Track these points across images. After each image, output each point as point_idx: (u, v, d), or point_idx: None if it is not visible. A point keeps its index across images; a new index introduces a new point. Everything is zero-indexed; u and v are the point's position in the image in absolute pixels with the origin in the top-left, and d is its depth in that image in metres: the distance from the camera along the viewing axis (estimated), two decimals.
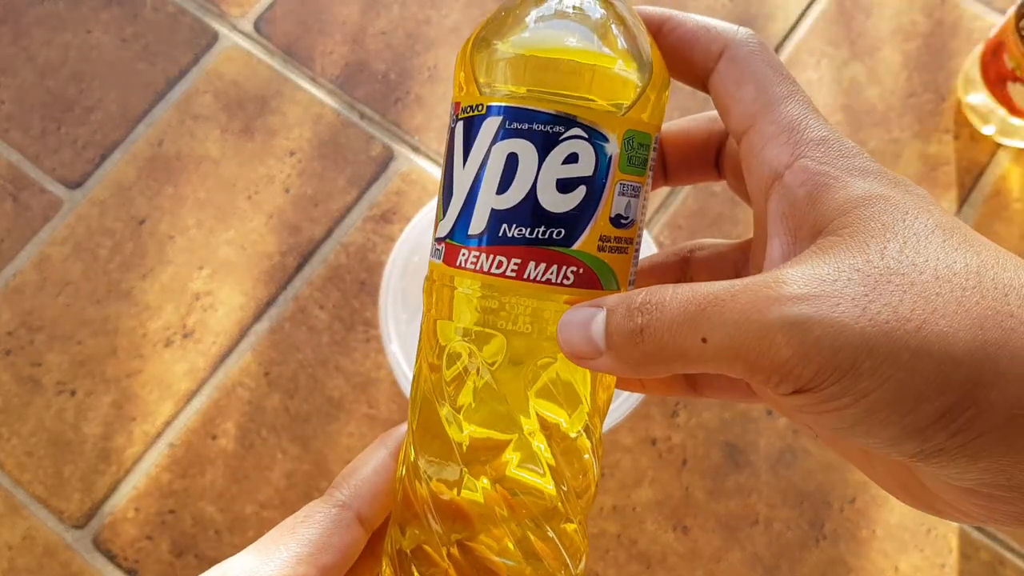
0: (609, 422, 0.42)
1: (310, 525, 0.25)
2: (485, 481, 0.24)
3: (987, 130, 0.54)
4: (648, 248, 0.46)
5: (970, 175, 0.54)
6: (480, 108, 0.23)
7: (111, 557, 0.49)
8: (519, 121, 0.23)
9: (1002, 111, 0.52)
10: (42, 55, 0.59)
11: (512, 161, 0.23)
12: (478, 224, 0.23)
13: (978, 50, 0.54)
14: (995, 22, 0.57)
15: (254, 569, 0.24)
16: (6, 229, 0.55)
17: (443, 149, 0.56)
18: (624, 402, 0.42)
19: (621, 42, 0.23)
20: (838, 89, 0.56)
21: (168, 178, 0.56)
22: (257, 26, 0.59)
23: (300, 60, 0.58)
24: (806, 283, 0.19)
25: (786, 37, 0.58)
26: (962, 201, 0.54)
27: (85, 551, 0.49)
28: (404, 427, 0.28)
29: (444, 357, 0.24)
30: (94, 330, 0.53)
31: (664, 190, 0.54)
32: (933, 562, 0.47)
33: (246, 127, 0.57)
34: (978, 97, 0.53)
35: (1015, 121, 0.52)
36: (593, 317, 0.22)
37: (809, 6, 0.58)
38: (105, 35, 0.59)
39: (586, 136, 0.23)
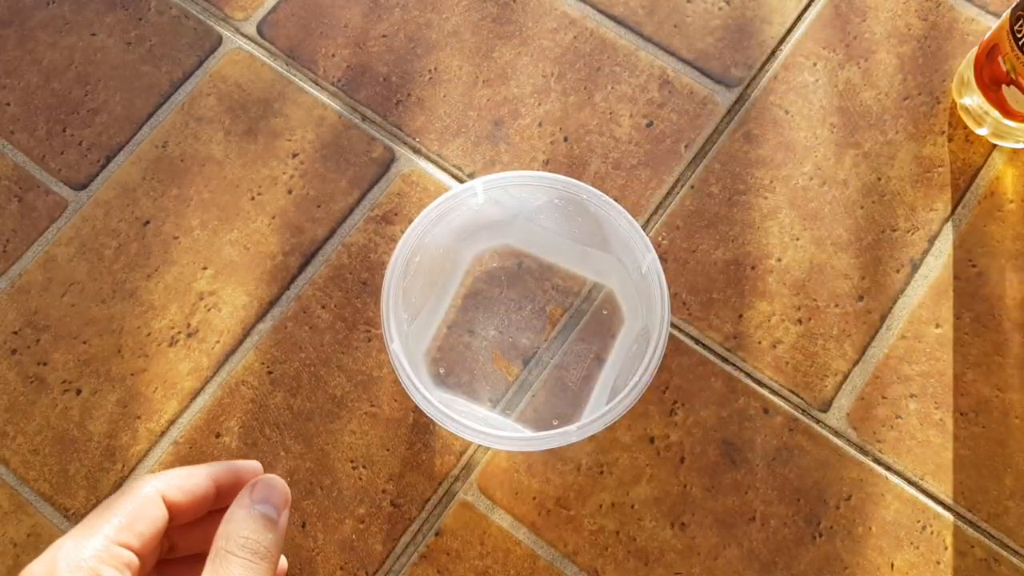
0: (607, 420, 0.42)
1: (123, 500, 0.29)
2: None
3: (981, 132, 0.55)
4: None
5: (964, 177, 0.55)
6: None
7: None
8: None
9: (996, 113, 0.52)
10: (47, 57, 0.60)
11: None
12: None
13: (973, 52, 0.55)
14: (990, 25, 0.58)
15: (79, 545, 0.28)
16: (12, 230, 0.56)
17: (444, 151, 0.56)
18: (622, 401, 0.42)
19: None
20: (833, 92, 0.57)
21: (172, 179, 0.56)
22: (260, 29, 0.60)
23: (303, 63, 0.59)
24: None
25: (782, 40, 0.58)
26: (956, 203, 0.54)
27: None
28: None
29: None
30: (99, 329, 0.53)
31: (660, 191, 0.55)
32: (928, 559, 0.48)
33: (249, 129, 0.57)
34: (972, 99, 0.54)
35: (1009, 123, 0.53)
36: None
37: (805, 10, 0.59)
38: (110, 38, 0.60)
39: None
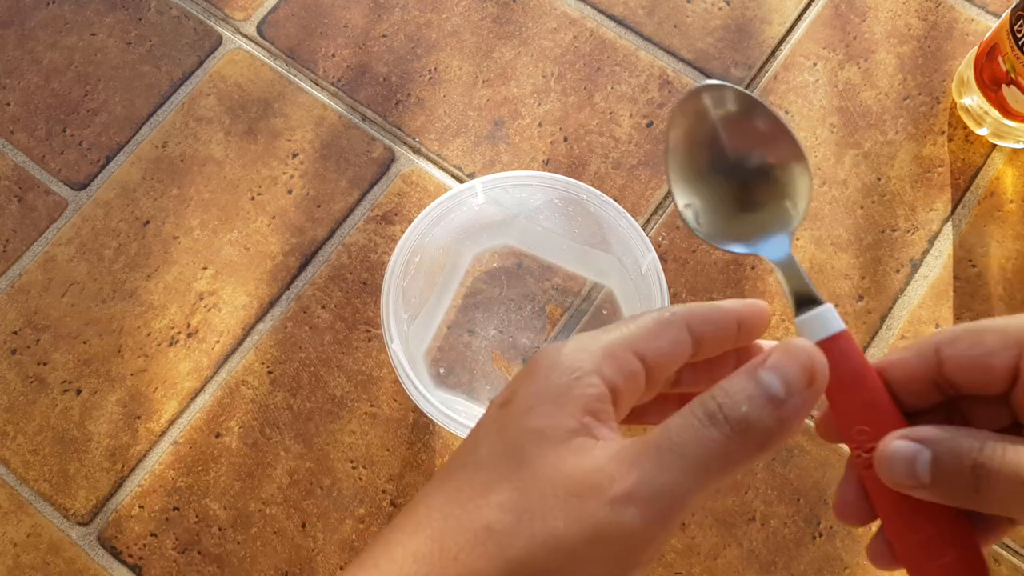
0: None
1: (637, 321, 0.26)
2: None
3: (981, 132, 0.55)
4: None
5: (964, 177, 0.55)
6: None
7: (116, 554, 0.49)
8: None
9: (996, 113, 0.52)
10: (47, 57, 0.60)
11: None
12: None
13: (972, 52, 0.55)
14: (989, 25, 0.58)
15: (583, 345, 0.25)
16: (12, 230, 0.56)
17: (444, 151, 0.56)
18: None
19: None
20: (833, 92, 0.57)
21: (172, 179, 0.56)
22: (260, 29, 0.60)
23: (303, 63, 0.59)
24: None
25: (782, 40, 0.58)
26: (956, 203, 0.54)
27: (90, 548, 0.50)
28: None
29: None
30: (99, 329, 0.53)
31: (660, 191, 0.55)
32: None
33: (249, 129, 0.57)
34: (972, 99, 0.54)
35: (1009, 123, 0.53)
36: (916, 456, 0.24)
37: (805, 9, 0.59)
38: (110, 38, 0.60)
39: None
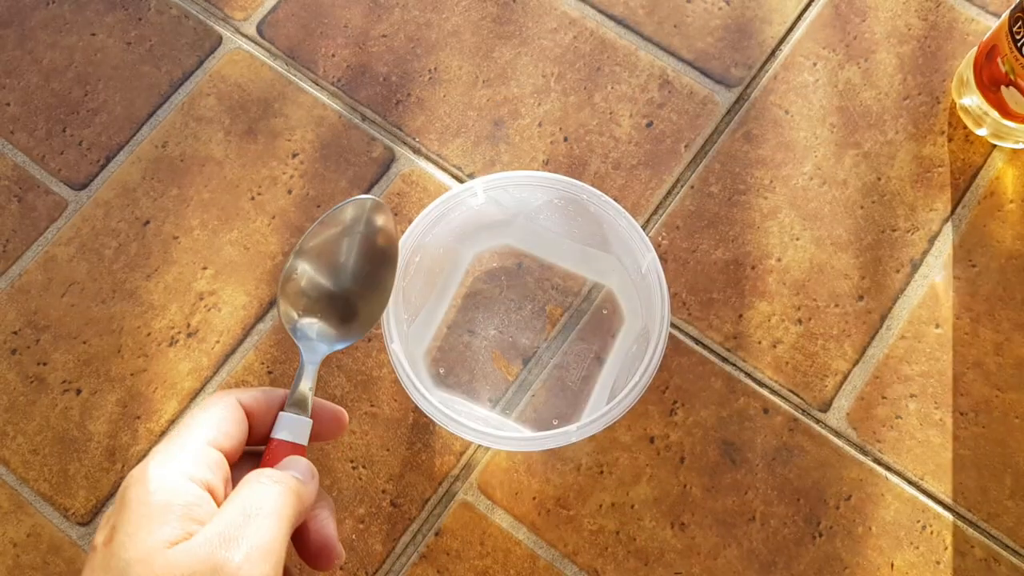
0: (607, 420, 0.42)
1: (199, 417, 0.31)
2: None
3: (980, 132, 0.55)
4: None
5: (964, 176, 0.55)
6: None
7: None
8: None
9: (995, 114, 0.52)
10: (47, 57, 0.60)
11: None
12: None
13: (972, 53, 0.55)
14: (989, 25, 0.58)
15: (165, 459, 0.29)
16: (12, 230, 0.56)
17: (444, 151, 0.56)
18: (622, 401, 0.42)
19: None
20: (833, 92, 0.57)
21: (172, 179, 0.56)
22: (260, 29, 0.60)
23: (303, 63, 0.59)
24: None
25: (782, 40, 0.58)
26: (956, 203, 0.54)
27: (90, 548, 0.50)
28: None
29: None
30: (99, 329, 0.53)
31: (660, 190, 0.55)
32: (928, 559, 0.48)
33: (249, 129, 0.57)
34: (972, 100, 0.54)
35: (1008, 124, 0.53)
36: None
37: (805, 10, 0.59)
38: (109, 38, 0.60)
39: None
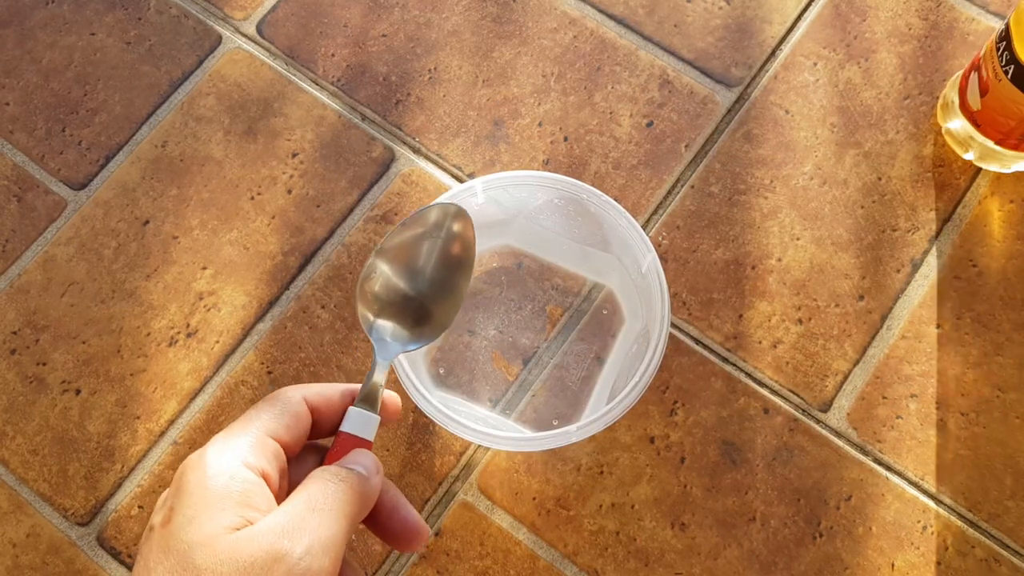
0: (607, 421, 0.42)
1: (262, 409, 0.31)
2: None
3: (968, 156, 0.54)
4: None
5: (965, 176, 0.55)
6: None
7: (115, 554, 0.49)
8: None
9: (981, 137, 0.52)
10: (47, 57, 0.60)
11: None
12: None
13: (957, 77, 0.54)
14: (991, 25, 0.58)
15: (224, 447, 0.30)
16: (11, 230, 0.56)
17: (444, 151, 0.56)
18: (622, 401, 0.42)
19: None
20: (834, 91, 0.57)
21: (172, 179, 0.56)
22: (260, 29, 0.60)
23: (302, 63, 0.59)
24: None
25: (783, 40, 0.58)
26: (957, 202, 0.54)
27: (89, 548, 0.50)
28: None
29: None
30: (99, 329, 0.53)
31: (660, 190, 0.55)
32: (928, 559, 0.48)
33: (249, 129, 0.57)
34: (956, 123, 0.53)
35: (995, 147, 0.52)
36: None
37: (805, 9, 0.59)
38: (109, 38, 0.60)
39: None
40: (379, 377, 0.34)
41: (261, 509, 0.29)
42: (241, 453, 0.30)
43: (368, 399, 0.34)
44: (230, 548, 0.27)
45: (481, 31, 0.59)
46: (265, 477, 0.30)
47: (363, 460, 0.32)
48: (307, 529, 0.28)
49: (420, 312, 0.38)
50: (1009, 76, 0.47)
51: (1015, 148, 0.51)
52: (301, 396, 0.32)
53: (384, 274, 0.38)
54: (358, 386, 0.35)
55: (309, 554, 0.27)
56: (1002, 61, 0.47)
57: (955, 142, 0.54)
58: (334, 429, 0.34)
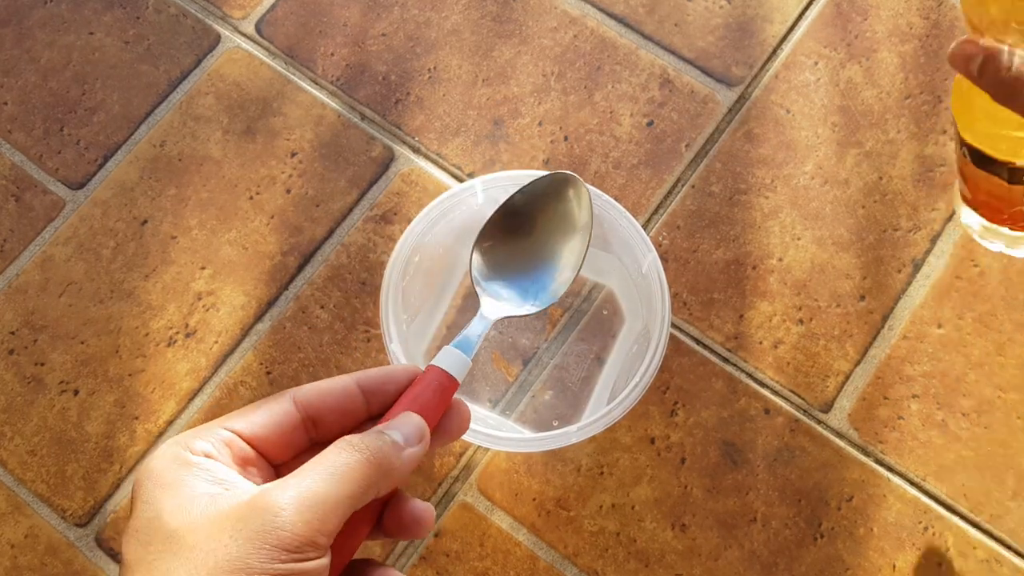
0: (607, 421, 0.42)
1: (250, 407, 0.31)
2: None
3: (994, 247, 0.46)
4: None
5: None
6: None
7: (113, 555, 0.49)
8: None
9: (1004, 229, 0.44)
10: (45, 56, 0.59)
11: None
12: None
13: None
14: None
15: (172, 441, 0.29)
16: (9, 229, 0.56)
17: (443, 150, 0.56)
18: (623, 402, 0.42)
19: None
20: (835, 91, 0.57)
21: (170, 179, 0.56)
22: (259, 28, 0.60)
23: (301, 62, 0.59)
24: None
25: (783, 39, 0.58)
26: None
27: (88, 549, 0.49)
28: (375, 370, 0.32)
29: None
30: (97, 330, 0.53)
31: (661, 190, 0.55)
32: (930, 560, 0.48)
33: (248, 128, 0.57)
34: (973, 217, 0.46)
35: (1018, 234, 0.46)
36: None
37: (806, 8, 0.59)
38: (107, 37, 0.60)
39: None
40: (479, 328, 0.34)
41: (229, 479, 0.28)
42: (182, 439, 0.29)
43: (463, 345, 0.32)
44: (206, 505, 0.26)
45: (481, 30, 0.59)
46: (208, 456, 0.28)
47: (406, 426, 0.30)
48: (296, 484, 0.27)
49: (531, 279, 0.38)
50: (969, 159, 0.42)
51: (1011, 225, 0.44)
52: (288, 394, 0.31)
53: (499, 237, 0.38)
54: (360, 375, 0.33)
55: (292, 508, 0.26)
56: (959, 144, 0.42)
57: (977, 234, 0.46)
58: (342, 425, 0.32)
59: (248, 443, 0.30)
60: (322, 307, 0.53)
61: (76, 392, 0.52)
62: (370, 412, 0.32)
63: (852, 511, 0.49)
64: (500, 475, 0.50)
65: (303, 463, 0.28)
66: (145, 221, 0.55)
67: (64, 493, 0.50)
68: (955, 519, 0.48)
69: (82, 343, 0.53)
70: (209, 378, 0.52)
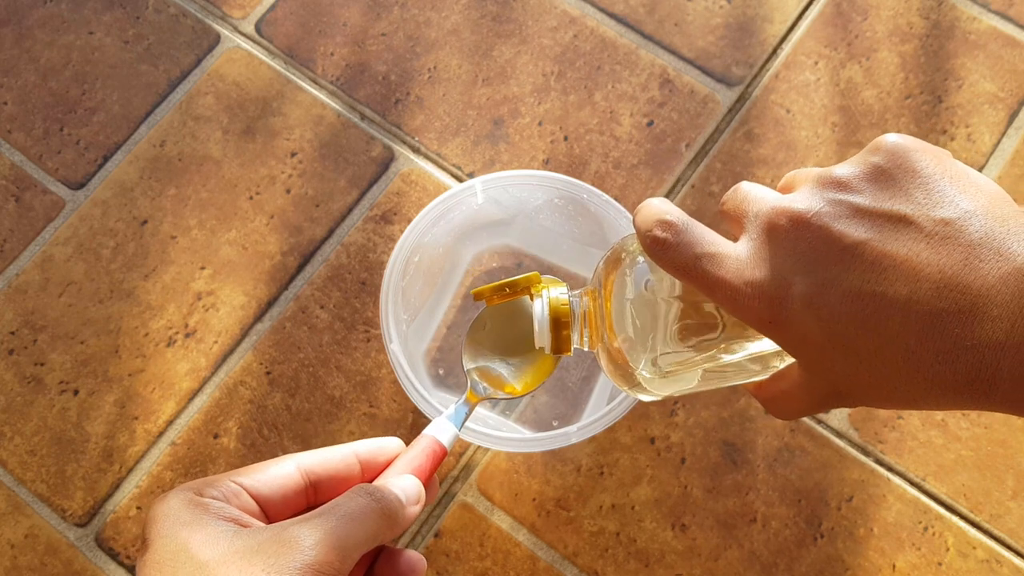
0: (607, 421, 0.42)
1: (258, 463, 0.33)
2: None
3: None
4: None
5: None
6: None
7: (113, 555, 0.49)
8: None
9: None
10: (45, 56, 0.59)
11: None
12: None
13: None
14: (992, 24, 0.58)
15: (182, 487, 0.31)
16: (9, 229, 0.55)
17: (443, 150, 0.56)
18: (623, 402, 0.42)
19: None
20: (835, 90, 0.57)
21: (170, 179, 0.56)
22: (259, 28, 0.60)
23: (301, 62, 0.59)
24: None
25: (784, 39, 0.58)
26: None
27: (87, 549, 0.49)
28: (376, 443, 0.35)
29: None
30: (97, 330, 0.53)
31: (661, 190, 0.55)
32: (930, 560, 0.48)
33: (248, 128, 0.57)
34: None
35: None
36: None
37: (806, 8, 0.59)
38: (107, 37, 0.60)
39: None
40: (467, 409, 0.38)
41: (243, 519, 0.29)
42: (193, 486, 0.30)
43: (455, 419, 0.37)
44: (232, 539, 0.28)
45: (481, 30, 0.59)
46: (217, 500, 0.30)
47: (407, 486, 0.32)
48: (320, 526, 0.28)
49: (515, 371, 0.42)
50: None
51: None
52: (292, 460, 0.33)
53: (492, 329, 0.42)
54: (357, 445, 0.35)
55: (319, 545, 0.27)
56: None
57: None
58: (337, 492, 0.34)
59: (253, 499, 0.31)
60: (322, 307, 0.53)
61: (76, 392, 0.52)
62: (364, 480, 0.34)
63: (852, 511, 0.49)
64: (500, 475, 0.50)
65: None
66: (145, 221, 0.55)
67: (64, 493, 0.50)
68: (955, 519, 0.48)
69: (82, 343, 0.53)
70: (209, 378, 0.52)
